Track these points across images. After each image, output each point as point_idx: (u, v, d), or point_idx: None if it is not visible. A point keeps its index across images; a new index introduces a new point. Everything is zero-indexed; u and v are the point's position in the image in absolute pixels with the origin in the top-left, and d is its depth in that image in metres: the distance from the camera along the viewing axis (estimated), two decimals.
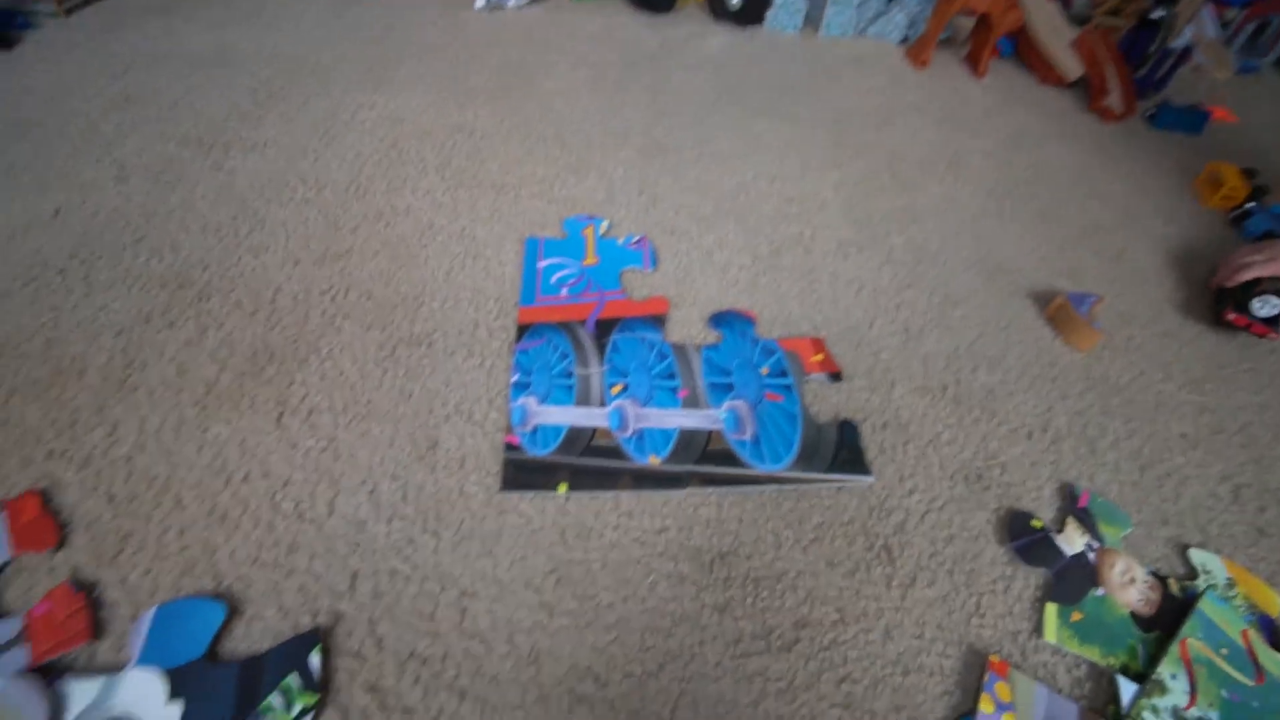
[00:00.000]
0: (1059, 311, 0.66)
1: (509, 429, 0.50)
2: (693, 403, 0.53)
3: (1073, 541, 0.47)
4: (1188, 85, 1.25)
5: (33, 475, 0.44)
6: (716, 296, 0.64)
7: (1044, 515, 0.49)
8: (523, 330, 0.57)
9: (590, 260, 0.65)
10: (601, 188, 0.76)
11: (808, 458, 0.50)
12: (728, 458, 0.49)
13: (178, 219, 0.66)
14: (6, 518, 0.42)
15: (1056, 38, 1.18)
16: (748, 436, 0.51)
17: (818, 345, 0.59)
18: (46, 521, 0.42)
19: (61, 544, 0.41)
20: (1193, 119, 1.09)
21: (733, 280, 0.66)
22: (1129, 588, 0.45)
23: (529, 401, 0.52)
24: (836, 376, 0.57)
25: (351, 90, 0.90)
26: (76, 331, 0.54)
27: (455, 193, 0.73)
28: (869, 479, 0.49)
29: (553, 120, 0.88)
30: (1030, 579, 0.46)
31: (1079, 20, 1.30)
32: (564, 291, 0.61)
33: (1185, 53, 1.17)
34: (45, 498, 0.43)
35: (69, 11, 0.98)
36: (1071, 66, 1.16)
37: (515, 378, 0.53)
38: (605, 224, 0.70)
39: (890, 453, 0.52)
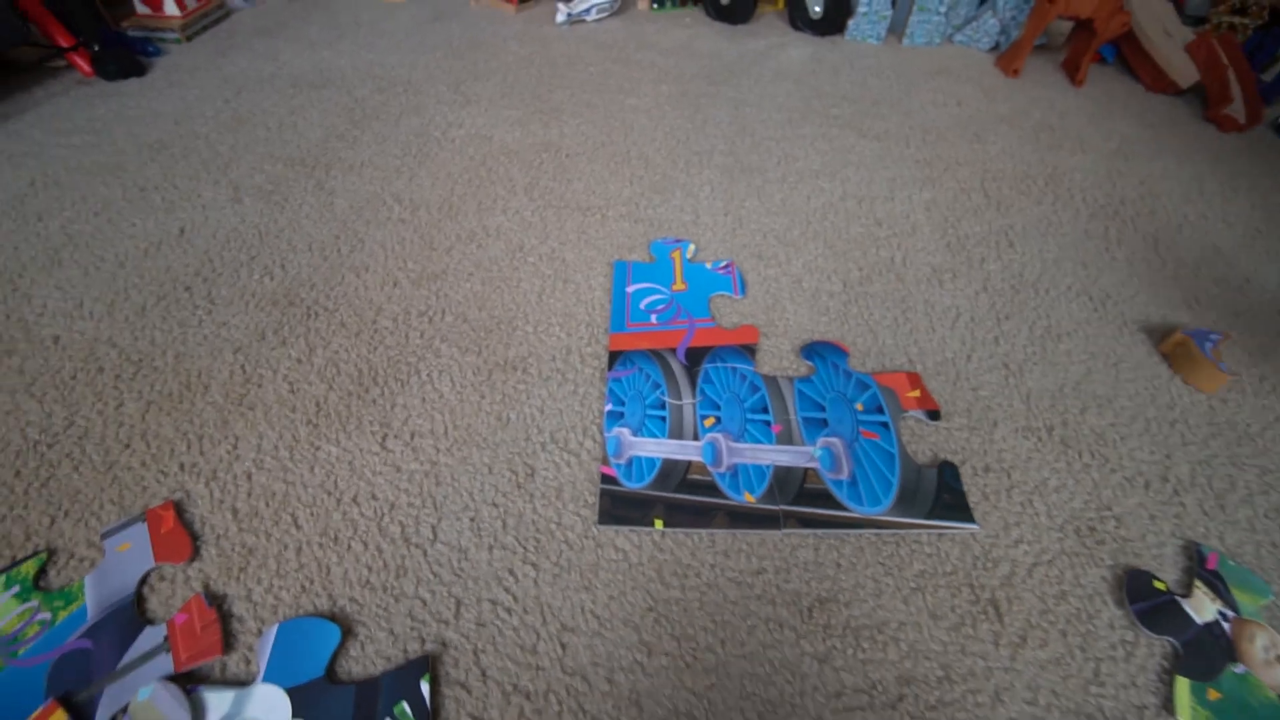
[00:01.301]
0: (1179, 349, 0.61)
1: (604, 460, 0.50)
2: (786, 438, 0.52)
3: (1202, 609, 0.44)
4: None
5: (169, 487, 0.48)
6: (807, 325, 0.63)
7: (1166, 576, 0.46)
8: (614, 358, 0.58)
9: (679, 285, 0.65)
10: (687, 208, 0.76)
11: (907, 501, 0.48)
12: (824, 498, 0.48)
13: (286, 238, 0.70)
14: (148, 527, 0.45)
15: (1168, 41, 1.10)
16: (844, 476, 0.50)
17: (914, 380, 0.57)
18: (181, 533, 0.45)
19: (194, 556, 0.44)
20: None
21: (823, 308, 0.65)
22: (1275, 666, 0.41)
23: (623, 432, 0.52)
24: (935, 414, 0.55)
25: (441, 107, 0.93)
26: (202, 347, 0.58)
27: (543, 213, 0.74)
28: (974, 527, 0.47)
29: (636, 138, 0.88)
30: (1154, 647, 0.43)
31: (1194, 21, 1.21)
32: (653, 318, 0.62)
33: None
34: (179, 509, 0.47)
35: (190, 38, 1.06)
36: (1186, 72, 1.08)
37: (609, 407, 0.54)
38: (692, 248, 0.70)
39: (993, 499, 0.50)
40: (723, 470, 0.50)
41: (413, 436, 0.52)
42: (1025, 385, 0.59)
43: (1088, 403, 0.58)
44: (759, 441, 0.52)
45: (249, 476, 0.49)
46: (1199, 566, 0.46)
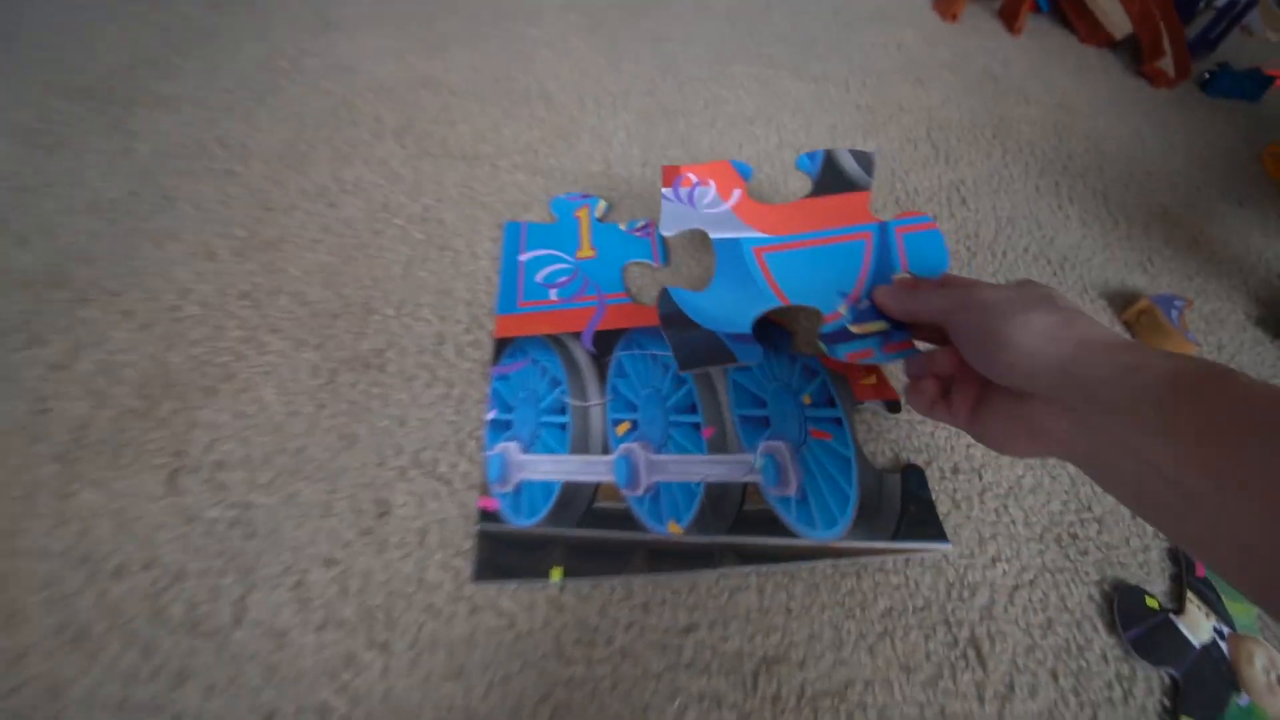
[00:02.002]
0: (1143, 317, 0.55)
1: (484, 488, 0.38)
2: (720, 445, 0.42)
3: (1198, 627, 0.38)
4: (1235, 48, 1.13)
5: None
6: None
7: (1156, 588, 0.40)
8: (500, 347, 0.45)
9: (585, 252, 0.52)
10: (597, 157, 0.63)
11: (868, 518, 0.39)
12: (768, 522, 0.39)
13: (57, 195, 0.51)
14: None
15: None
16: (792, 491, 0.40)
17: (869, 366, 0.48)
18: None
19: None
20: (1252, 85, 0.98)
21: None
22: (1278, 691, 0.36)
23: (510, 448, 0.40)
24: (894, 405, 0.46)
25: (295, 32, 0.74)
26: None
27: (417, 163, 0.59)
28: (946, 546, 0.39)
29: (537, 74, 0.73)
30: (1152, 682, 0.36)
31: None
32: (553, 294, 0.49)
33: (1245, 8, 1.05)
34: None
35: None
36: (1120, 23, 1.03)
37: (492, 414, 0.41)
38: (603, 204, 0.57)
39: (965, 506, 0.42)
40: (640, 493, 0.39)
41: (217, 469, 0.37)
42: None
43: None
44: (686, 451, 0.41)
45: None
46: (1188, 574, 0.40)
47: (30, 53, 0.65)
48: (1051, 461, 0.45)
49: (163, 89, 0.63)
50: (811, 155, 0.50)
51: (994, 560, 0.40)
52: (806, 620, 0.36)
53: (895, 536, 0.39)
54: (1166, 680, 0.36)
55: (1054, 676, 0.35)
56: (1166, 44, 1.00)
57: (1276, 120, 0.94)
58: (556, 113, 0.68)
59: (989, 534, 0.41)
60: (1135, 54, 1.02)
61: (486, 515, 0.37)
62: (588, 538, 0.37)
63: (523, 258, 0.51)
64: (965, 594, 0.38)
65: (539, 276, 0.50)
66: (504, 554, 0.35)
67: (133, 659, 0.31)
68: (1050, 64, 0.98)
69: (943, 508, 0.41)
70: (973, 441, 0.45)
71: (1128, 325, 0.56)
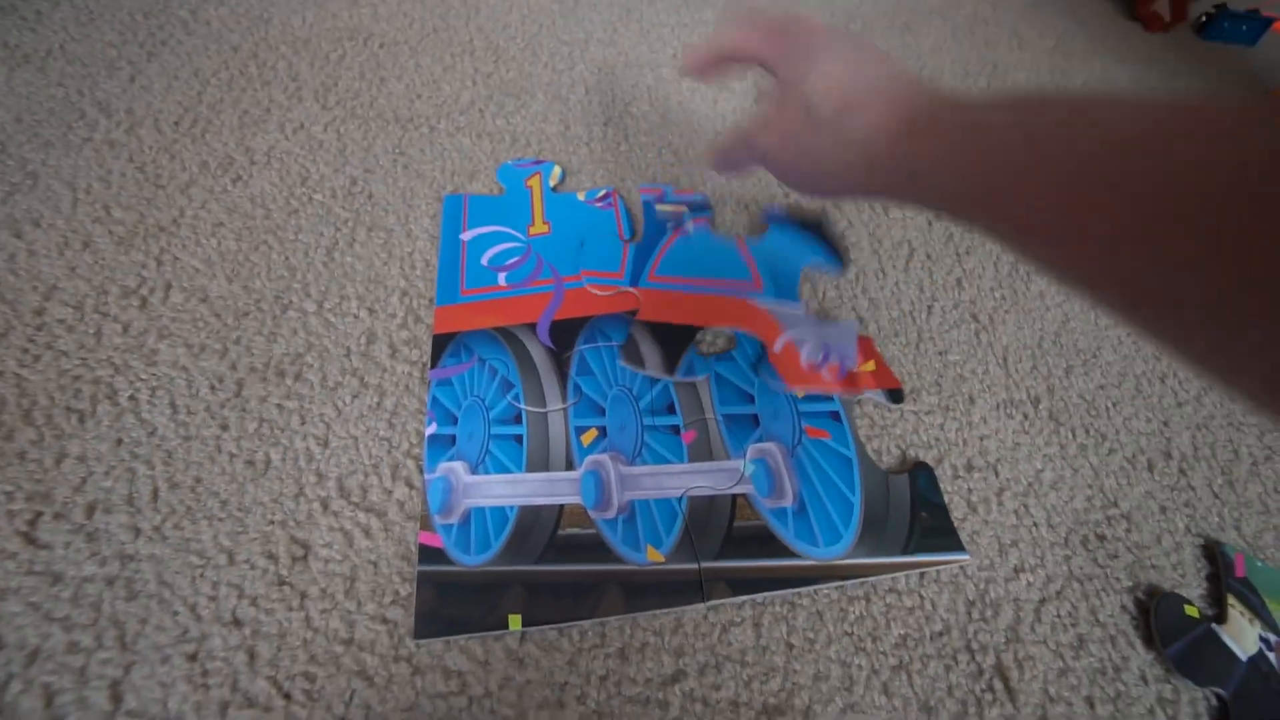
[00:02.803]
0: None
1: (424, 520, 0.32)
2: (703, 450, 0.36)
3: (1242, 635, 0.34)
4: None
5: None
6: None
7: (1193, 592, 0.36)
8: (440, 345, 0.38)
9: (538, 228, 0.45)
10: (553, 117, 0.55)
11: (876, 529, 0.34)
12: (762, 540, 0.33)
13: None
14: None
15: None
16: (788, 501, 0.34)
17: (866, 348, 0.42)
18: None
19: None
20: (1251, 29, 0.93)
21: None
22: None
23: (454, 470, 0.34)
24: (896, 395, 0.40)
25: None
26: None
27: (342, 128, 0.51)
28: (964, 557, 0.34)
29: (482, 22, 0.64)
30: (1198, 704, 0.32)
31: None
32: (502, 278, 0.42)
33: None
34: None
35: None
36: None
37: (431, 428, 0.35)
38: (557, 171, 0.49)
39: (982, 509, 0.37)
40: (612, 515, 0.33)
41: (90, 513, 0.30)
42: (1000, 342, 0.46)
43: (1071, 360, 0.46)
44: (664, 461, 0.35)
45: None
46: (1227, 575, 0.36)
47: None
48: (1071, 448, 0.41)
49: (24, 41, 0.53)
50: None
51: (1017, 571, 0.35)
52: (811, 658, 0.31)
53: (907, 550, 0.34)
54: (1214, 700, 0.32)
55: (1090, 704, 0.31)
56: None
57: (1274, 66, 0.89)
58: (505, 66, 0.59)
59: (1009, 540, 0.36)
60: None
61: (428, 553, 0.31)
62: (551, 574, 0.31)
63: (465, 236, 0.44)
64: (988, 613, 0.33)
65: (485, 258, 0.43)
66: (451, 601, 0.29)
67: None
68: (1041, 7, 0.91)
69: (957, 512, 0.36)
70: (987, 433, 0.40)
71: None
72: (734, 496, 0.34)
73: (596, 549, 0.32)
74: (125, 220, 0.42)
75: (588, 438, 0.35)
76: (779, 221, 0.48)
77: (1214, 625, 0.34)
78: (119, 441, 0.33)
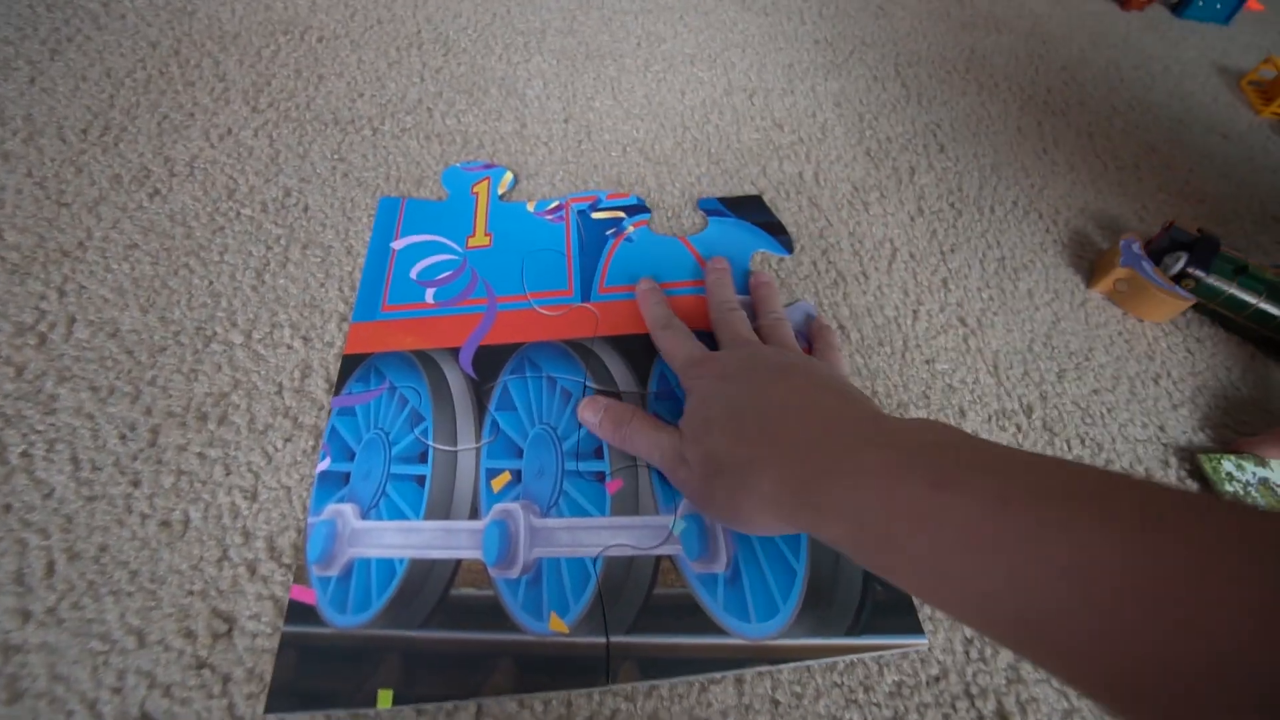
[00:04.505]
0: (1125, 286, 0.47)
1: (301, 571, 0.28)
2: (628, 503, 0.32)
3: None
4: None
5: None
6: None
7: None
8: (349, 368, 0.34)
9: (478, 239, 0.41)
10: (509, 114, 0.51)
11: (820, 605, 0.29)
12: (684, 611, 0.29)
13: None
14: None
15: None
16: (721, 567, 0.30)
17: None
18: None
19: None
20: (1224, 7, 0.91)
21: None
22: None
23: (343, 513, 0.30)
24: None
25: None
26: None
27: (274, 131, 0.46)
28: (921, 641, 0.30)
29: (430, 11, 0.60)
30: None
31: None
32: (429, 294, 0.38)
33: None
34: None
35: None
36: None
37: (323, 464, 0.31)
38: (508, 177, 0.46)
39: None
40: (516, 574, 0.29)
41: None
42: (990, 347, 0.43)
43: (1064, 364, 0.43)
44: (582, 513, 0.31)
45: None
46: None
47: None
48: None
49: None
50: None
51: None
52: (799, 714, 0.28)
53: (853, 630, 0.29)
54: None
55: None
56: None
57: (1248, 45, 0.87)
58: (455, 59, 0.55)
59: None
60: None
61: (298, 611, 0.27)
62: (435, 642, 0.27)
63: (396, 245, 0.40)
64: (987, 653, 0.31)
65: (414, 271, 0.39)
66: (314, 670, 0.26)
67: None
68: None
69: None
70: None
71: (1107, 296, 0.49)
72: (657, 559, 0.30)
73: (490, 615, 0.28)
74: (21, 245, 0.37)
75: (499, 482, 0.31)
76: (717, 213, 0.46)
77: None
78: (6, 508, 0.28)
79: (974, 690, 0.30)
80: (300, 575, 0.28)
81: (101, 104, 0.46)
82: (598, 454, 0.33)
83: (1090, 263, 0.50)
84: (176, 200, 0.41)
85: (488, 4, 0.62)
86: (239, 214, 0.41)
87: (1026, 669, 0.30)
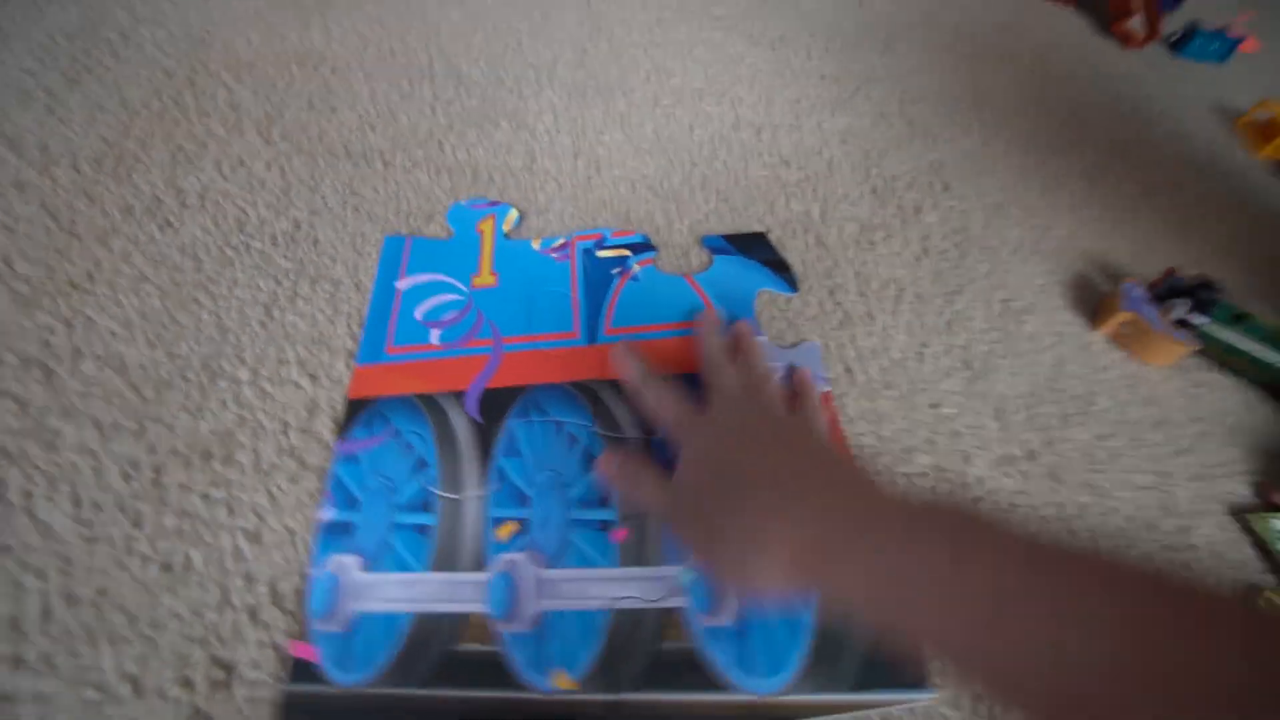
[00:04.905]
0: (1128, 329, 0.47)
1: (302, 627, 0.28)
2: (636, 552, 0.31)
3: None
4: (1200, 2, 1.08)
5: None
6: None
7: None
8: (353, 412, 0.34)
9: (484, 279, 0.41)
10: (519, 148, 0.52)
11: (828, 658, 0.29)
12: (689, 667, 0.28)
13: None
14: None
15: None
16: (727, 621, 0.30)
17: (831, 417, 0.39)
18: None
19: None
20: (1220, 47, 0.93)
21: None
22: None
23: (345, 565, 0.29)
24: None
25: None
26: None
27: (286, 164, 0.47)
28: (928, 696, 0.29)
29: (443, 44, 0.60)
30: None
31: None
32: (435, 335, 0.38)
33: None
34: None
35: None
36: None
37: (327, 514, 0.31)
38: (513, 215, 0.46)
39: None
40: (521, 629, 0.28)
41: None
42: (994, 391, 0.43)
43: (1067, 409, 0.43)
44: (589, 563, 0.31)
45: None
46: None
47: None
48: (1070, 508, 0.38)
49: None
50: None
51: None
52: None
53: (861, 685, 0.29)
54: None
55: None
56: (1135, 2, 0.94)
57: (1244, 84, 0.89)
58: (467, 92, 0.56)
59: None
60: (1103, 13, 0.95)
61: (300, 669, 0.27)
62: (439, 700, 0.26)
63: (401, 285, 0.40)
64: (996, 710, 0.30)
65: (419, 311, 0.39)
66: None
67: None
68: (1019, 24, 0.90)
69: None
70: (983, 495, 0.38)
71: (1110, 339, 0.49)
72: (663, 611, 0.30)
73: (494, 671, 0.27)
74: (31, 276, 0.37)
75: (505, 532, 0.31)
76: (722, 250, 0.46)
77: None
78: (5, 549, 0.28)
79: None
80: (301, 631, 0.27)
81: (117, 134, 0.46)
82: (604, 502, 0.33)
83: (1093, 305, 0.50)
84: (187, 232, 0.41)
85: (500, 36, 0.63)
86: (249, 246, 0.41)
87: None
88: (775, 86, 0.65)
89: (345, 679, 0.27)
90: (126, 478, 0.31)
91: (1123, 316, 0.48)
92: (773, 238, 0.49)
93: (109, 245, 0.40)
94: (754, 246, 0.47)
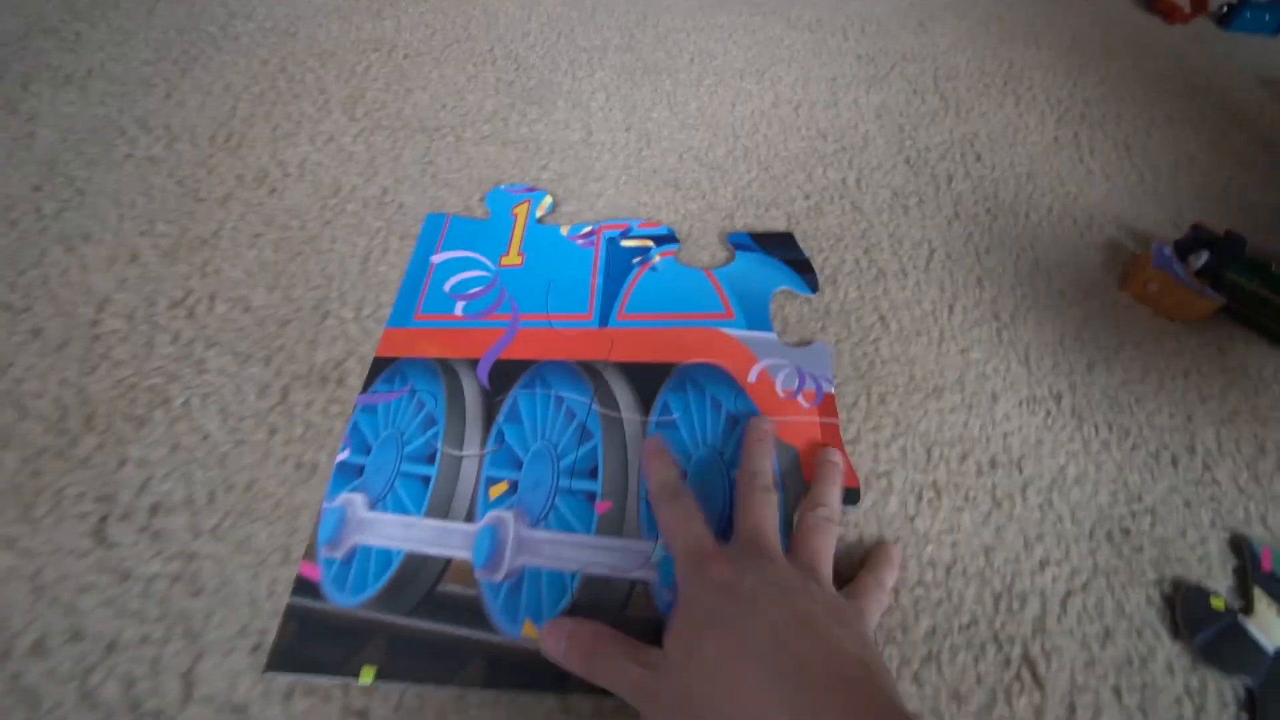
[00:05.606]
0: (1155, 288, 0.49)
1: (311, 549, 0.31)
2: (614, 524, 0.33)
3: (1269, 628, 0.34)
4: None
5: None
6: None
7: (1219, 584, 0.36)
8: (378, 369, 0.38)
9: (511, 259, 0.44)
10: (575, 123, 0.56)
11: None
12: (656, 640, 0.28)
13: None
14: None
15: None
16: None
17: (830, 433, 0.38)
18: None
19: None
20: (1273, 19, 0.92)
21: None
22: None
23: (354, 501, 0.33)
24: (853, 495, 0.36)
25: None
26: None
27: (370, 138, 0.52)
28: None
29: (502, 31, 0.66)
30: (1225, 694, 0.32)
31: None
32: (459, 306, 0.41)
33: None
34: None
35: None
36: None
37: (343, 454, 0.34)
38: (547, 202, 0.49)
39: (1006, 505, 0.38)
40: (499, 578, 0.31)
41: (153, 514, 0.32)
42: (1022, 339, 0.46)
43: (1093, 358, 0.46)
44: (569, 528, 0.33)
45: None
46: (1254, 569, 0.37)
47: None
48: (1094, 444, 0.41)
49: (65, 62, 0.55)
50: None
51: (1042, 565, 0.36)
52: None
53: None
54: (1241, 692, 0.33)
55: (1117, 694, 0.32)
56: None
57: None
58: (526, 74, 0.61)
59: (1034, 534, 0.37)
60: None
61: (303, 586, 0.30)
62: (417, 631, 0.29)
63: (435, 259, 0.44)
64: (1014, 605, 0.34)
65: (448, 284, 0.42)
66: (312, 640, 0.28)
67: None
68: (1056, 2, 0.91)
69: (983, 506, 0.37)
70: (1010, 430, 0.41)
71: (1138, 299, 0.51)
72: (632, 583, 0.31)
73: (471, 612, 0.30)
74: (169, 234, 0.44)
75: (497, 490, 0.34)
76: (745, 247, 0.48)
77: (1241, 618, 0.34)
78: (175, 446, 0.34)
79: (1002, 637, 0.33)
80: (310, 553, 0.31)
81: (224, 114, 0.53)
82: (592, 474, 0.35)
83: (1123, 266, 0.53)
84: (290, 197, 0.47)
85: (553, 23, 0.67)
86: (343, 209, 0.47)
87: (1051, 621, 0.34)
88: (812, 66, 0.68)
89: (340, 600, 0.30)
90: (261, 395, 0.37)
91: (1150, 274, 0.50)
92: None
93: (228, 208, 0.46)
94: (778, 245, 0.48)
